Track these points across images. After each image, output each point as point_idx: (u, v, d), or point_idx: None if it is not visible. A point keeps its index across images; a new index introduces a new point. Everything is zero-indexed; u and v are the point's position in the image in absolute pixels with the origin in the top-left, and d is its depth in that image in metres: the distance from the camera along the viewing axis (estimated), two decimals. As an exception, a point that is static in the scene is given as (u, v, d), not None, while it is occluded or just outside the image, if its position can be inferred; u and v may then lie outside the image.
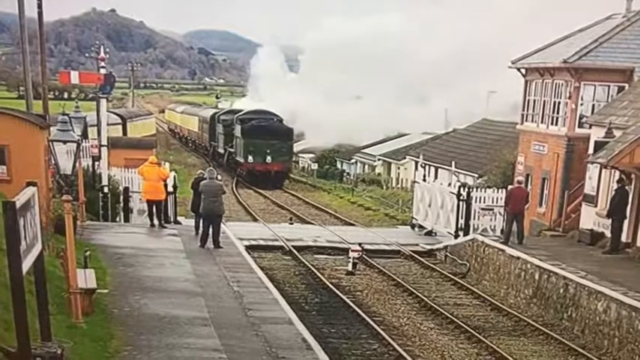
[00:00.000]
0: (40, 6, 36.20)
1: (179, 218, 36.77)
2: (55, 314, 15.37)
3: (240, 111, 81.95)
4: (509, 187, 34.01)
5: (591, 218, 32.76)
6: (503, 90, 64.55)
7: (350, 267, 32.31)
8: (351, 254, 32.57)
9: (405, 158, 75.06)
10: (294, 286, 29.95)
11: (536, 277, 27.73)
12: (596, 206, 32.60)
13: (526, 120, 40.54)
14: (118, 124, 71.87)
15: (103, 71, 36.26)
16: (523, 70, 40.23)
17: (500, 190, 36.62)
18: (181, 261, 26.41)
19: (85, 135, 37.35)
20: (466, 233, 35.14)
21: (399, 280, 30.92)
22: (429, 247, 36.92)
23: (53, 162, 20.10)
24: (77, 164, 20.25)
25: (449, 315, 26.36)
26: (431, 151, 67.23)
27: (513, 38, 73.29)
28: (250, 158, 72.35)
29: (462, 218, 35.95)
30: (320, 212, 55.45)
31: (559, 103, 37.55)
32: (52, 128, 24.34)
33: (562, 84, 37.24)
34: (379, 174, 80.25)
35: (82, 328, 16.62)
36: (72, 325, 16.54)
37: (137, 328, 17.76)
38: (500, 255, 30.68)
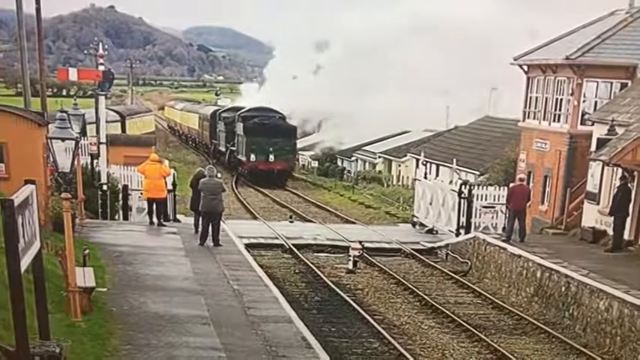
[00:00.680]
0: (38, 2, 36.25)
1: (178, 216, 36.70)
2: (53, 313, 15.34)
3: (242, 108, 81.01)
4: (511, 184, 34.01)
5: (593, 216, 32.70)
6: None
7: (350, 265, 32.24)
8: (351, 252, 32.53)
9: (406, 156, 74.95)
10: (294, 284, 29.88)
11: (538, 275, 27.65)
12: (598, 204, 32.55)
13: (528, 117, 40.50)
14: (117, 121, 71.87)
15: (101, 68, 36.25)
16: (525, 67, 40.18)
17: (501, 188, 36.64)
18: (181, 259, 26.41)
19: (83, 132, 37.35)
20: (467, 231, 35.11)
21: (400, 279, 30.83)
22: (429, 245, 36.84)
23: (52, 159, 20.02)
24: (76, 162, 20.17)
25: (450, 313, 26.27)
26: (432, 149, 67.19)
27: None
28: (253, 157, 71.16)
29: (463, 216, 35.92)
30: (320, 210, 55.40)
31: (561, 100, 37.52)
32: (50, 125, 24.27)
33: (564, 81, 37.20)
34: (380, 171, 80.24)
35: (80, 327, 16.64)
36: (71, 324, 16.58)
37: (136, 327, 17.73)
38: (501, 253, 30.61)
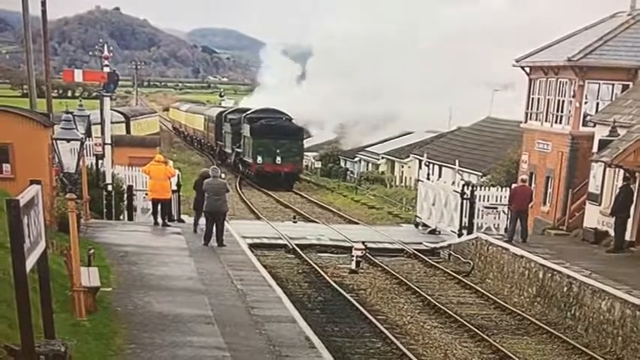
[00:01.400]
0: (44, 4, 36.26)
1: (182, 217, 36.77)
2: (58, 312, 15.38)
3: (249, 109, 79.76)
4: (513, 185, 33.98)
5: (595, 217, 32.76)
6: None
7: (353, 265, 32.33)
8: (354, 252, 32.60)
9: (408, 157, 74.93)
10: (297, 284, 29.98)
11: (540, 275, 27.75)
12: (600, 205, 32.62)
13: (530, 118, 40.56)
14: (122, 122, 71.94)
15: (106, 69, 36.33)
16: (527, 69, 40.24)
17: (504, 189, 36.61)
18: (185, 259, 26.42)
19: (88, 133, 37.37)
20: (470, 232, 35.15)
21: (403, 279, 30.93)
22: (432, 245, 36.93)
23: (57, 160, 20.13)
24: (81, 162, 20.28)
25: (452, 314, 26.36)
26: (435, 150, 67.16)
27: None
28: (259, 159, 69.85)
29: (465, 217, 35.92)
30: (323, 210, 55.40)
31: (563, 101, 37.60)
32: (55, 126, 24.43)
33: (566, 82, 37.27)
34: (383, 172, 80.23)
35: (85, 326, 16.63)
36: (75, 323, 16.56)
37: (140, 326, 17.75)
38: (503, 254, 30.70)
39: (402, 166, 77.53)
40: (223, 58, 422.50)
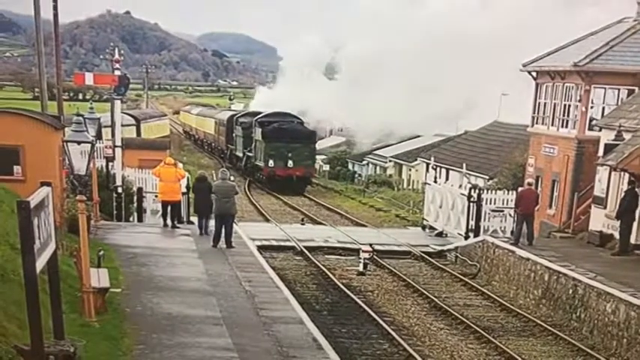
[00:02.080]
0: (55, 8, 36.45)
1: (192, 218, 36.89)
2: (68, 313, 15.50)
3: (260, 113, 78.95)
4: (520, 188, 34.13)
5: (601, 220, 32.85)
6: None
7: (361, 267, 32.45)
8: (362, 255, 32.72)
9: (416, 160, 74.89)
10: (305, 286, 30.12)
11: (546, 278, 27.86)
12: (605, 208, 32.70)
13: (537, 122, 40.63)
14: (132, 125, 71.94)
15: (117, 73, 36.48)
16: (534, 73, 40.30)
17: (510, 192, 36.60)
18: (194, 261, 26.57)
19: (99, 136, 37.60)
20: (476, 234, 35.14)
21: (410, 281, 31.06)
22: (439, 248, 37.06)
23: (67, 162, 20.29)
24: (91, 165, 20.44)
25: (459, 315, 26.49)
26: (442, 153, 67.13)
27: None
28: (271, 162, 69.02)
29: (472, 220, 35.89)
30: (331, 213, 55.56)
31: (569, 105, 37.65)
32: (66, 129, 24.59)
33: (572, 87, 37.34)
34: (390, 175, 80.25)
35: (94, 327, 16.78)
36: (85, 324, 16.71)
37: (149, 327, 17.88)
38: (510, 256, 30.81)
39: (410, 170, 77.55)
40: (233, 61, 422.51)
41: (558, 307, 26.80)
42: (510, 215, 35.05)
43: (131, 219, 36.34)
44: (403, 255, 36.16)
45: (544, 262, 28.32)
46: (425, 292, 29.35)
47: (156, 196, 35.47)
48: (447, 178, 57.75)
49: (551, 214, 38.30)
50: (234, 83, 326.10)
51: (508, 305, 28.27)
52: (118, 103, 37.08)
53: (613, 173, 31.84)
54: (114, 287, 20.05)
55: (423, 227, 42.15)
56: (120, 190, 35.63)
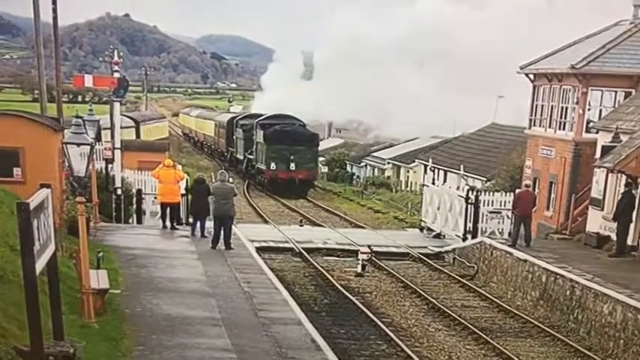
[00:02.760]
0: (55, 10, 36.58)
1: (191, 220, 36.94)
2: (67, 314, 15.54)
3: (261, 115, 77.84)
4: (517, 190, 34.20)
5: (598, 222, 32.94)
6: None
7: (359, 269, 32.48)
8: (360, 256, 32.74)
9: (414, 162, 74.90)
10: (303, 287, 30.14)
11: (543, 279, 27.92)
12: (602, 210, 32.80)
13: (534, 125, 40.72)
14: (132, 127, 71.95)
15: (116, 75, 36.53)
16: (531, 76, 40.40)
17: (508, 194, 36.65)
18: (193, 262, 26.60)
19: (98, 138, 37.64)
20: (474, 236, 35.17)
21: (408, 282, 31.11)
22: (437, 249, 37.12)
23: (67, 164, 20.35)
24: (90, 166, 20.50)
25: (456, 317, 26.54)
26: (440, 155, 67.20)
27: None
28: (273, 165, 67.66)
29: (470, 221, 35.95)
30: (330, 215, 55.55)
31: (567, 108, 37.74)
32: (66, 131, 24.67)
33: (570, 89, 37.43)
34: (389, 177, 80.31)
35: (94, 328, 16.80)
36: (84, 325, 16.72)
37: (149, 328, 17.93)
38: (507, 258, 30.87)
39: (408, 171, 77.62)
40: (232, 64, 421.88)
41: (556, 308, 26.86)
42: (508, 217, 35.12)
43: (130, 220, 36.39)
44: (401, 256, 36.19)
45: (541, 264, 28.38)
46: (423, 294, 29.38)
47: (155, 198, 35.54)
48: (444, 180, 57.94)
49: (548, 215, 38.39)
50: (233, 85, 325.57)
51: (506, 306, 28.32)
52: (117, 105, 37.09)
53: (610, 175, 31.94)
54: (113, 288, 20.08)
55: (421, 229, 42.17)
56: (119, 191, 35.67)
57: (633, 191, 29.98)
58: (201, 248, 29.09)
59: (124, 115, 62.90)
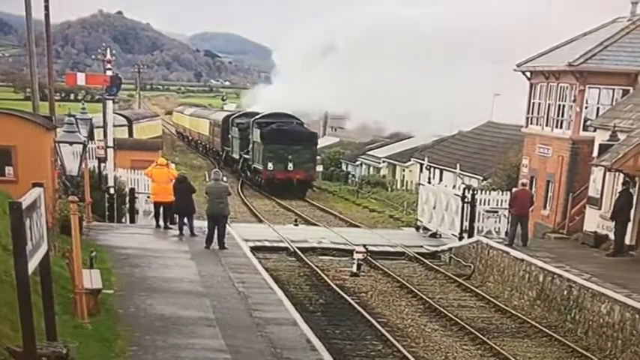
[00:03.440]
0: (47, 8, 36.37)
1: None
2: (60, 314, 15.45)
3: (257, 114, 76.04)
4: (514, 189, 34.04)
5: (595, 221, 32.83)
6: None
7: (354, 268, 32.34)
8: (355, 256, 32.60)
9: (410, 160, 74.75)
10: (298, 287, 30.03)
11: (540, 279, 27.81)
12: (600, 209, 32.69)
13: (531, 123, 40.57)
14: (124, 125, 71.81)
15: (109, 73, 36.43)
16: (528, 73, 40.25)
17: (504, 193, 36.62)
18: (187, 262, 26.56)
19: (91, 136, 37.52)
20: (470, 235, 35.13)
21: (404, 282, 30.98)
22: (433, 248, 37.01)
23: (59, 163, 20.20)
24: (83, 165, 20.36)
25: (453, 317, 26.43)
26: (436, 154, 67.04)
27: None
28: (270, 165, 65.93)
29: (466, 220, 35.90)
30: (325, 214, 55.47)
31: (564, 106, 37.60)
32: (58, 130, 24.51)
33: (567, 87, 37.28)
34: (384, 176, 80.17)
35: (87, 329, 16.73)
36: (77, 325, 16.66)
37: (142, 329, 17.87)
38: (504, 257, 30.76)
39: (404, 170, 77.51)
40: (225, 62, 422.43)
41: (553, 308, 26.76)
42: (505, 216, 35.07)
43: (123, 220, 36.35)
44: (397, 256, 36.07)
45: (538, 263, 28.29)
46: (419, 293, 29.27)
47: (148, 197, 35.44)
48: (440, 179, 57.74)
49: (545, 214, 38.26)
50: (227, 83, 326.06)
51: (502, 306, 28.21)
52: (110, 103, 37.00)
53: (608, 174, 31.83)
54: (106, 288, 20.05)
55: (417, 228, 42.11)
56: (112, 190, 35.60)
57: (631, 190, 29.90)
58: (194, 248, 29.06)
59: (116, 113, 62.74)
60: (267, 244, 36.31)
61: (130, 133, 72.37)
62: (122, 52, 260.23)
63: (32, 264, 10.50)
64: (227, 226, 30.55)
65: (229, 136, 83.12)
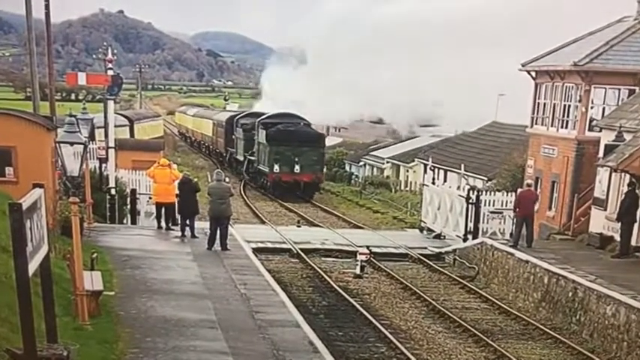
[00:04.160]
0: (47, 7, 36.32)
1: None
2: (61, 316, 15.38)
3: (262, 114, 74.40)
4: (519, 190, 33.92)
5: (601, 222, 32.69)
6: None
7: (358, 270, 32.24)
8: (359, 257, 32.51)
9: (414, 161, 74.68)
10: (301, 288, 29.94)
11: (545, 280, 27.67)
12: (605, 210, 32.53)
13: (536, 123, 40.46)
14: (126, 125, 71.84)
15: (110, 73, 36.28)
16: (533, 73, 40.13)
17: (509, 194, 36.59)
18: (188, 263, 26.49)
19: (92, 137, 37.44)
20: (475, 237, 35.08)
21: (407, 284, 30.87)
22: (437, 250, 36.90)
23: (60, 163, 20.10)
24: (84, 166, 20.25)
25: (457, 318, 26.31)
26: (440, 154, 67.03)
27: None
28: (276, 167, 63.81)
29: (470, 221, 35.91)
30: (328, 215, 55.35)
31: (569, 106, 37.49)
32: (59, 130, 24.37)
33: (572, 87, 37.17)
34: (388, 177, 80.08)
35: (88, 331, 16.67)
36: (78, 327, 16.61)
37: (143, 331, 17.78)
38: (509, 258, 30.64)
39: (407, 171, 77.43)
40: (228, 61, 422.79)
41: (558, 310, 26.63)
42: (509, 217, 34.99)
43: (125, 221, 36.33)
44: (401, 257, 35.98)
45: (543, 265, 28.15)
46: (423, 295, 29.16)
47: (150, 198, 35.33)
48: (445, 180, 57.65)
49: (550, 215, 38.13)
50: (229, 83, 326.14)
51: (507, 308, 28.10)
52: (111, 103, 36.89)
53: (613, 174, 31.69)
54: (107, 290, 19.97)
55: (421, 229, 42.03)
56: (113, 191, 35.53)
57: (637, 190, 29.76)
58: (196, 249, 29.02)
59: (117, 113, 62.74)
60: (270, 245, 36.26)
61: (132, 134, 72.44)
62: (123, 52, 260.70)
63: (32, 265, 10.44)
64: (229, 227, 30.42)
65: (233, 137, 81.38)
